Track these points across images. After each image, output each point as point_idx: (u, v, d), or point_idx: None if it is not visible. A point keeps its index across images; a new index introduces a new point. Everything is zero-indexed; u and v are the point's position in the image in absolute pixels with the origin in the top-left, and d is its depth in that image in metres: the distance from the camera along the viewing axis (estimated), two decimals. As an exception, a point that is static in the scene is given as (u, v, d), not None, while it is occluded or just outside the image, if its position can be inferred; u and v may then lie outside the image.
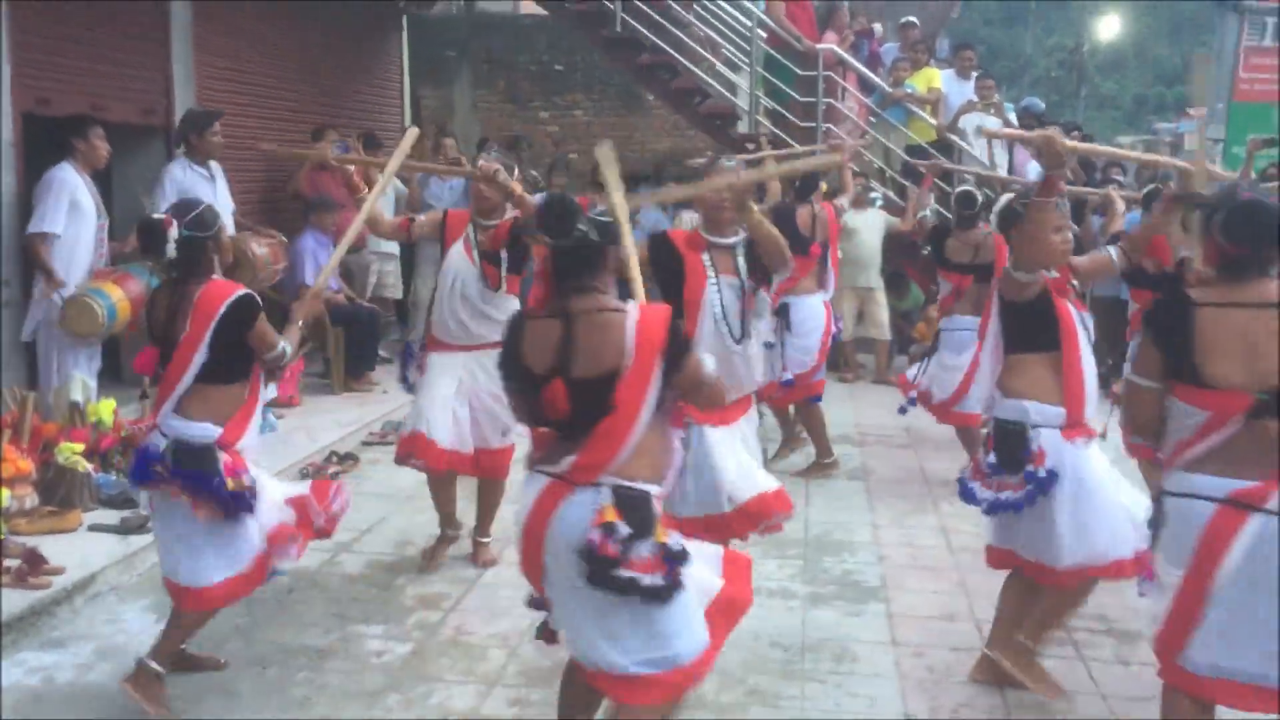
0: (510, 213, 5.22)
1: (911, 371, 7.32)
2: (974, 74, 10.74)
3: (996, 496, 4.06)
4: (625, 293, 3.39)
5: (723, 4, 10.69)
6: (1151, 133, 41.32)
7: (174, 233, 3.90)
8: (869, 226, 9.94)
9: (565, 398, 3.08)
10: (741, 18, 10.44)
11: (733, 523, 4.38)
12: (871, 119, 10.54)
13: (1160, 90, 53.49)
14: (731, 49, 10.85)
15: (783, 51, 10.14)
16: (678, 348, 3.13)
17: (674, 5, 10.41)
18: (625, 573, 3.01)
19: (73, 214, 6.31)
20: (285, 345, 4.07)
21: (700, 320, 4.27)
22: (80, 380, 6.23)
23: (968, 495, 4.20)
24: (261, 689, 4.21)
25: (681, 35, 10.37)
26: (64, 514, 5.49)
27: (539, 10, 12.27)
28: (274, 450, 6.94)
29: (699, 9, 10.82)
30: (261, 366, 4.06)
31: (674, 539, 3.12)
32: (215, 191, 7.38)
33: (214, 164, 7.48)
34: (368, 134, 10.04)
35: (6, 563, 4.84)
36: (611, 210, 3.40)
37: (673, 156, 12.82)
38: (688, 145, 13.29)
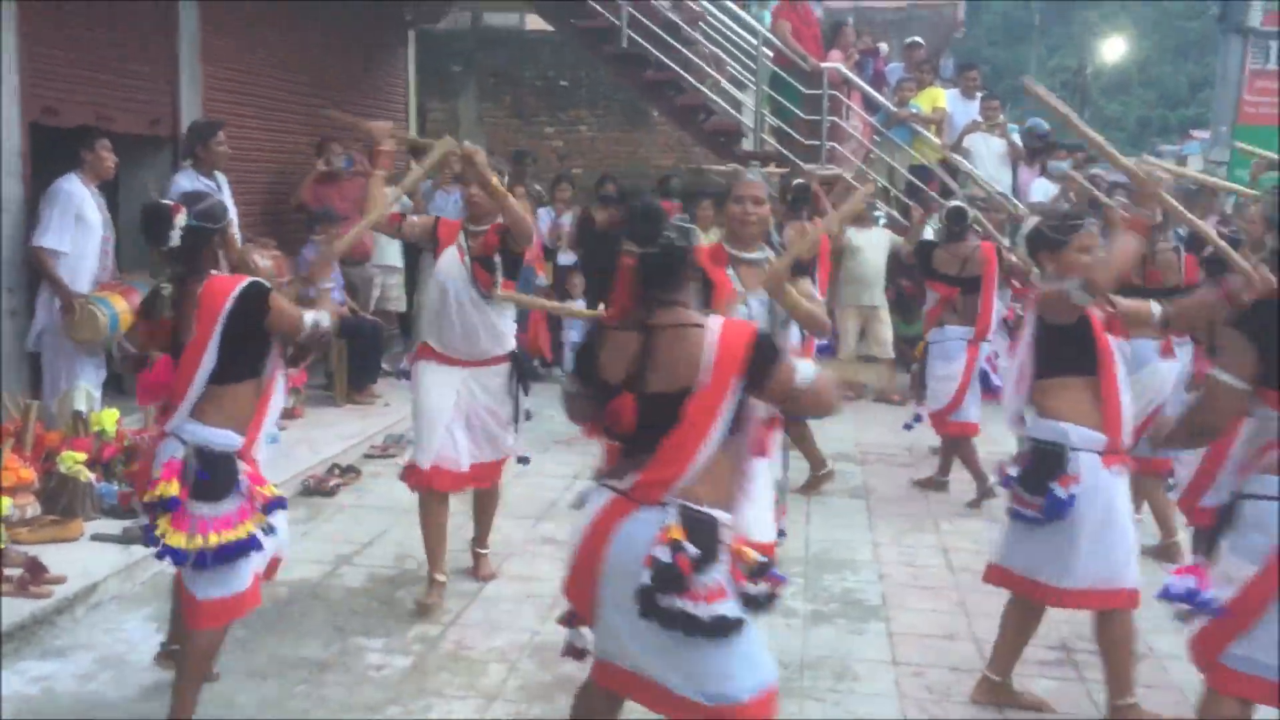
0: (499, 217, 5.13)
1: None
2: (978, 94, 10.79)
3: (1019, 507, 4.08)
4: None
5: (729, 21, 10.74)
6: (1155, 154, 41.41)
7: (181, 219, 3.69)
8: (873, 245, 9.95)
9: (633, 412, 2.98)
10: (747, 36, 10.48)
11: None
12: (876, 138, 10.57)
13: (1164, 112, 53.57)
14: (737, 67, 10.88)
15: (788, 70, 10.18)
16: (763, 362, 2.98)
17: (680, 22, 10.46)
18: (678, 604, 2.87)
19: (79, 227, 6.33)
20: (315, 317, 3.84)
21: None
22: (84, 389, 6.24)
23: (1007, 507, 4.21)
24: (260, 701, 4.21)
25: (687, 52, 10.42)
26: (66, 523, 5.49)
27: (545, 26, 12.31)
28: (276, 462, 6.89)
29: (705, 26, 10.87)
30: (296, 350, 3.94)
31: (753, 586, 2.97)
32: (182, 216, 7.40)
33: (219, 175, 7.51)
34: (372, 146, 10.06)
35: (8, 571, 4.84)
36: None
37: (675, 171, 12.86)
38: (692, 162, 13.35)
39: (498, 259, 5.05)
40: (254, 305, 3.67)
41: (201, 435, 3.68)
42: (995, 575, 4.31)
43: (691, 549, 2.87)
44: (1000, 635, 4.34)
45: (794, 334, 4.65)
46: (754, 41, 10.30)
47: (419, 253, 8.01)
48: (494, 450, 5.29)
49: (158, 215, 3.69)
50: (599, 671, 3.22)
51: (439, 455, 5.10)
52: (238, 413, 3.74)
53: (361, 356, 8.93)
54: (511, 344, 5.23)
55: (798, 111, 10.18)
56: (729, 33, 10.80)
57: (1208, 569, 3.28)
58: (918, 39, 12.04)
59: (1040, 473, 4.02)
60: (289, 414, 7.98)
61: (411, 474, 5.23)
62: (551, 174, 12.17)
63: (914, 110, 10.41)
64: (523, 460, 5.59)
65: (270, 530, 3.80)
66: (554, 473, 7.47)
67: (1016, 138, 11.05)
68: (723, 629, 2.89)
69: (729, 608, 2.91)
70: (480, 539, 5.56)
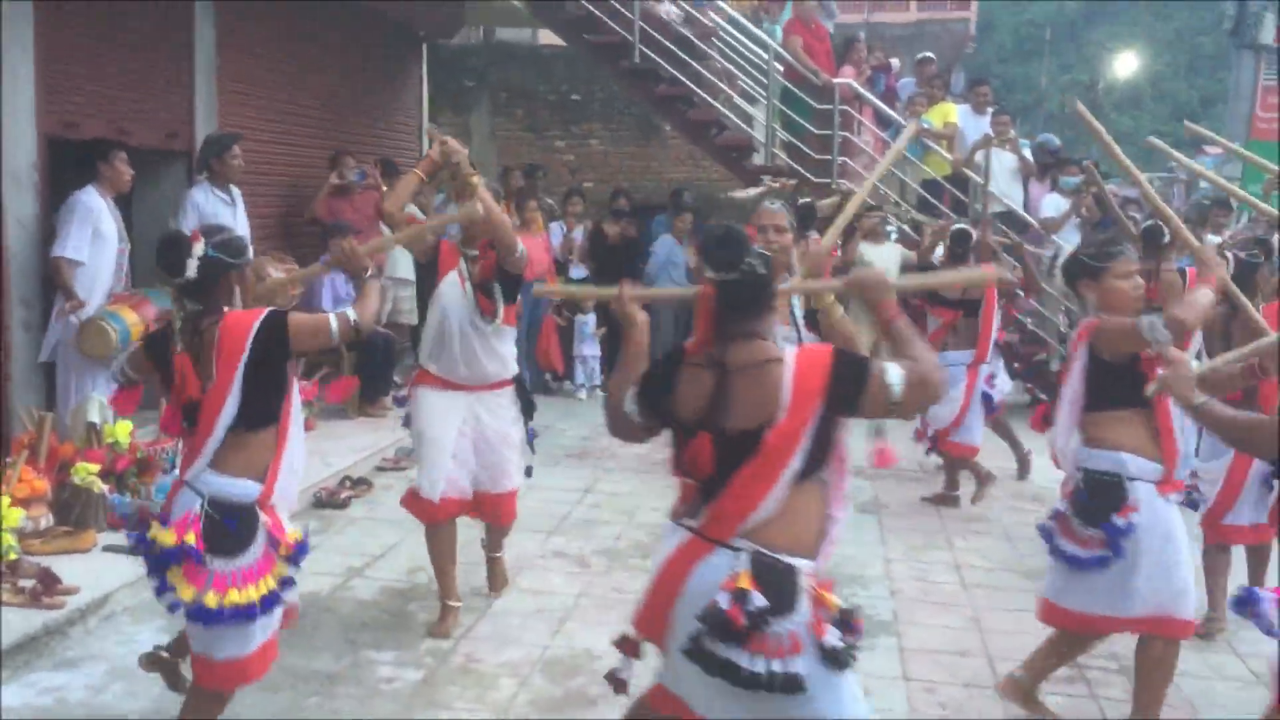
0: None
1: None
2: (990, 109, 10.78)
3: (1081, 553, 3.98)
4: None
5: (740, 37, 10.77)
6: (1167, 170, 41.32)
7: (199, 249, 3.47)
8: (884, 260, 9.95)
9: (710, 454, 2.86)
10: (759, 51, 10.50)
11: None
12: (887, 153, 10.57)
13: (1176, 128, 53.49)
14: (749, 82, 10.91)
15: (799, 85, 10.19)
16: (850, 381, 2.84)
17: (692, 37, 10.49)
18: (725, 651, 2.76)
19: (95, 240, 6.38)
20: (342, 313, 3.58)
21: None
22: (98, 402, 6.27)
23: (1054, 549, 4.10)
24: (272, 714, 4.22)
25: (699, 67, 10.44)
26: (79, 534, 5.51)
27: (558, 41, 12.35)
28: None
29: (717, 41, 10.90)
30: (342, 342, 3.59)
31: (832, 637, 2.81)
32: (236, 215, 7.50)
33: (234, 189, 7.57)
34: (386, 160, 10.11)
35: (21, 582, 4.87)
36: None
37: (686, 184, 12.89)
38: (703, 176, 13.37)
39: (497, 285, 4.92)
40: (276, 335, 3.43)
41: (218, 486, 3.46)
42: (1053, 615, 4.17)
43: (757, 600, 2.73)
44: (1045, 649, 4.27)
45: None
46: (765, 56, 10.33)
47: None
48: (501, 479, 5.10)
49: (175, 244, 3.50)
50: (658, 694, 3.14)
51: (446, 484, 4.98)
52: (258, 460, 3.50)
53: (373, 369, 8.96)
54: (514, 368, 5.13)
55: (809, 126, 10.19)
56: (741, 48, 10.82)
57: None
58: (929, 54, 12.05)
59: (1098, 504, 3.96)
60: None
61: (415, 503, 5.07)
62: (563, 188, 12.20)
63: (925, 125, 10.41)
64: (527, 472, 5.43)
65: (290, 583, 3.60)
66: (565, 487, 7.48)
67: (1028, 153, 11.04)
68: (786, 687, 2.75)
69: (802, 664, 2.76)
70: (494, 543, 5.47)
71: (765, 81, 10.39)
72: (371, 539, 6.24)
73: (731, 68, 10.93)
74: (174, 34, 7.87)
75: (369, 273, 3.78)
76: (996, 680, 4.44)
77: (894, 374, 2.82)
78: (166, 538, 3.41)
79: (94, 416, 6.22)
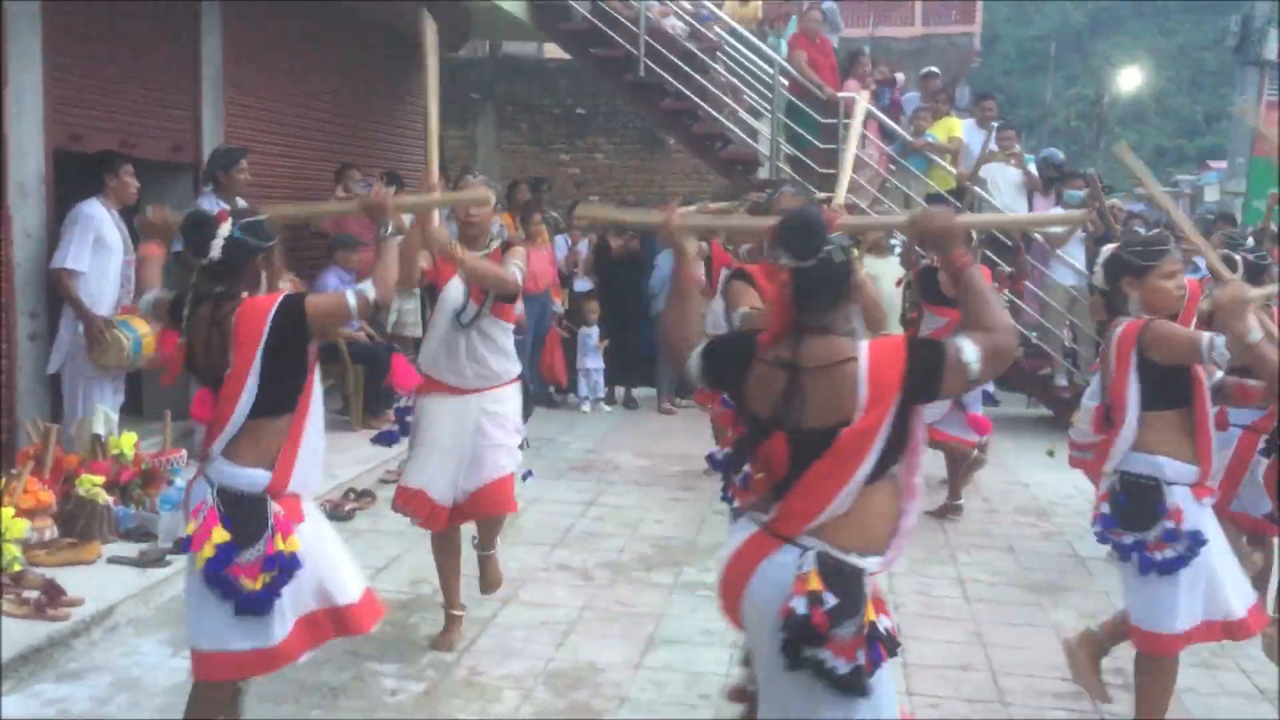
0: (497, 242, 4.89)
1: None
2: (994, 124, 10.80)
3: (1154, 557, 3.91)
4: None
5: (745, 51, 10.80)
6: (1172, 185, 41.36)
7: (225, 230, 3.37)
8: (890, 273, 9.95)
9: (785, 454, 2.80)
10: (764, 65, 10.54)
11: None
12: (892, 167, 10.60)
13: (1181, 143, 53.60)
14: (754, 95, 10.94)
15: (804, 99, 10.23)
16: (928, 368, 2.75)
17: (697, 52, 10.52)
18: (819, 654, 2.71)
19: (98, 250, 6.39)
20: (359, 289, 3.45)
21: None
22: (103, 413, 6.28)
23: (1143, 563, 3.97)
24: (275, 726, 4.22)
25: (704, 81, 10.48)
26: (83, 546, 5.51)
27: (564, 55, 12.40)
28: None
29: (722, 56, 10.94)
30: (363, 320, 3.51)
31: (884, 621, 2.78)
32: (227, 226, 7.48)
33: (240, 201, 7.58)
34: (391, 173, 10.14)
35: (26, 594, 4.87)
36: None
37: (691, 198, 12.91)
38: (708, 190, 13.39)
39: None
40: (293, 318, 3.32)
41: (228, 475, 3.39)
42: (1162, 644, 4.02)
43: (830, 600, 2.70)
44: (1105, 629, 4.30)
45: None
46: (770, 71, 10.36)
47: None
48: (495, 466, 4.89)
49: (201, 222, 3.41)
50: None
51: (430, 484, 4.85)
52: (271, 448, 3.40)
53: (377, 381, 8.96)
54: (518, 366, 5.06)
55: (814, 140, 10.22)
56: (746, 62, 10.86)
57: None
58: (934, 69, 12.08)
59: (1136, 507, 3.94)
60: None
61: (403, 496, 4.94)
62: (568, 201, 12.23)
63: (930, 139, 10.44)
64: (526, 475, 5.32)
65: (283, 578, 3.37)
66: (568, 500, 7.49)
67: (1032, 167, 11.06)
68: (851, 685, 2.72)
69: (854, 666, 2.73)
70: (486, 540, 5.16)
71: (770, 95, 10.42)
72: (375, 551, 6.24)
73: (736, 82, 10.97)
74: (180, 47, 7.90)
75: (389, 230, 3.60)
76: (1000, 696, 4.43)
77: (969, 351, 2.74)
78: (220, 537, 3.33)
79: (99, 428, 6.23)
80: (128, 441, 6.17)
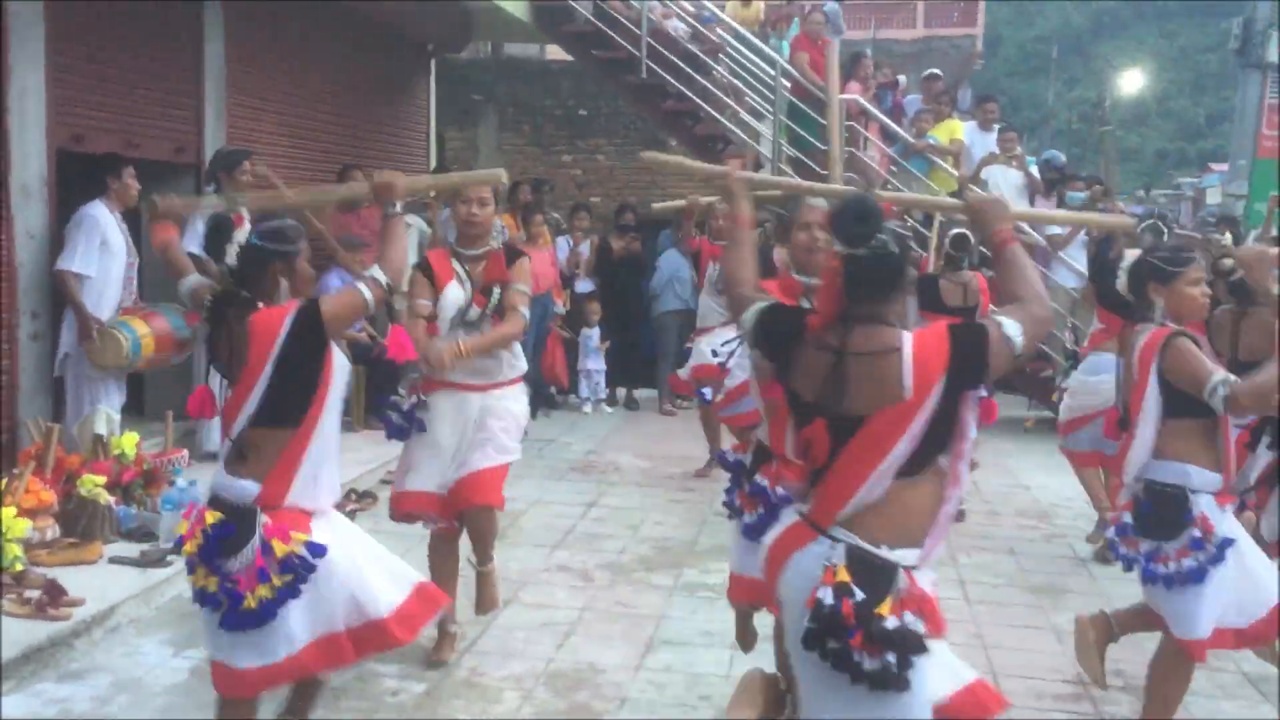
0: (497, 242, 4.80)
1: None
2: (996, 126, 10.81)
3: (1176, 568, 3.91)
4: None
5: (747, 53, 10.81)
6: (1174, 187, 41.38)
7: (241, 235, 3.31)
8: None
9: (825, 440, 2.76)
10: (766, 67, 10.54)
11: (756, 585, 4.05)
12: (893, 169, 10.60)
13: (1182, 145, 53.61)
14: (755, 97, 10.95)
15: (806, 100, 10.23)
16: (972, 350, 2.71)
17: (699, 53, 10.53)
18: (845, 647, 2.68)
19: (103, 252, 6.41)
20: (371, 276, 3.36)
21: None
22: (105, 413, 6.29)
23: (1146, 574, 4.01)
24: (276, 726, 4.22)
25: (706, 83, 10.48)
26: (85, 546, 5.52)
27: (566, 56, 12.41)
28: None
29: (724, 57, 10.94)
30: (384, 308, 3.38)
31: (906, 619, 2.71)
32: (244, 229, 7.50)
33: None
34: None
35: (27, 594, 4.88)
36: None
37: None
38: (709, 192, 13.37)
39: (497, 290, 4.71)
40: (310, 326, 3.22)
41: (218, 485, 3.32)
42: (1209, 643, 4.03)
43: (857, 594, 2.67)
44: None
45: None
46: (772, 72, 10.36)
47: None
48: (483, 458, 4.71)
49: (219, 226, 3.36)
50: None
51: (424, 481, 4.73)
52: (263, 463, 3.29)
53: (379, 382, 8.97)
54: (524, 366, 4.96)
55: (815, 142, 10.22)
56: (748, 63, 10.86)
57: None
58: (936, 71, 12.09)
59: (1162, 516, 3.94)
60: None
61: (397, 500, 4.82)
62: (570, 202, 12.24)
63: (932, 142, 10.44)
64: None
65: (289, 592, 3.23)
66: (569, 501, 7.49)
67: (1034, 170, 11.07)
68: (883, 682, 2.68)
69: (883, 664, 2.69)
70: (482, 554, 4.87)
71: (772, 97, 10.43)
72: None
73: (738, 83, 10.97)
74: (183, 47, 7.91)
75: (396, 209, 3.54)
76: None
77: (1011, 326, 2.72)
78: (191, 546, 3.27)
79: (101, 428, 6.25)
80: (129, 442, 6.17)
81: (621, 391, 11.27)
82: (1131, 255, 4.24)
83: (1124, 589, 6.00)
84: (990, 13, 34.34)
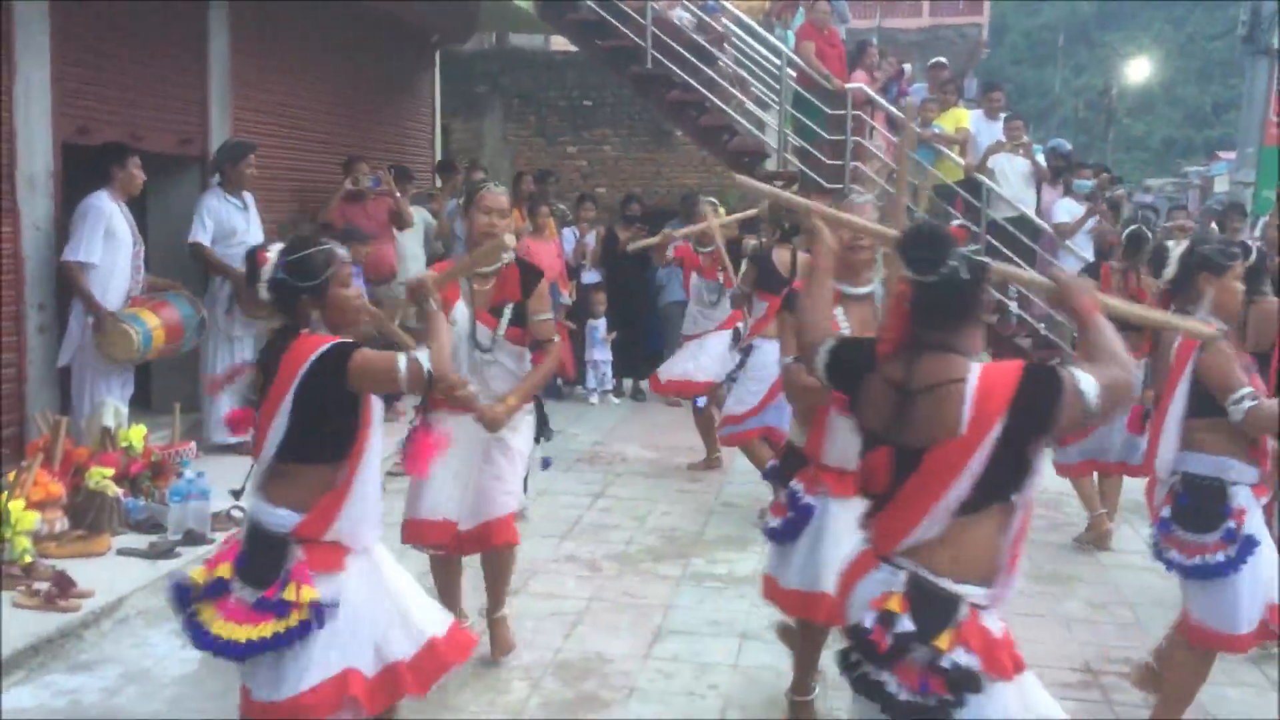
0: (510, 257, 4.52)
1: None
2: (1002, 114, 10.77)
3: (1203, 560, 3.91)
4: None
5: (753, 42, 10.78)
6: (1181, 175, 41.26)
7: (267, 271, 3.21)
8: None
9: (888, 469, 2.72)
10: (771, 56, 10.51)
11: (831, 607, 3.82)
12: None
13: (1189, 133, 53.47)
14: (761, 87, 10.92)
15: (812, 90, 10.20)
16: (1041, 398, 2.61)
17: (704, 43, 10.50)
18: (876, 674, 2.63)
19: (108, 241, 6.41)
20: (414, 356, 3.16)
21: None
22: (112, 406, 6.30)
23: (1182, 567, 3.99)
24: (285, 716, 4.22)
25: (711, 73, 10.45)
26: (93, 538, 5.54)
27: (570, 47, 12.39)
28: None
29: (729, 47, 10.91)
30: (416, 393, 3.19)
31: (960, 656, 2.60)
32: (249, 221, 7.53)
33: (248, 195, 7.60)
34: (399, 166, 10.15)
35: (36, 585, 4.90)
36: None
37: (698, 190, 12.91)
38: (715, 182, 13.37)
39: (510, 308, 4.50)
40: (331, 369, 3.10)
41: (256, 511, 3.23)
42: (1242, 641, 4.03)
43: (904, 624, 2.60)
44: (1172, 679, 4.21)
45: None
46: (778, 62, 10.33)
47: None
48: (498, 506, 4.58)
49: (249, 261, 3.30)
50: None
51: (431, 509, 4.54)
52: (303, 493, 3.19)
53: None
54: None
55: (821, 132, 10.19)
56: (753, 53, 10.83)
57: None
58: (942, 59, 12.04)
59: (1202, 509, 3.93)
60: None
61: (409, 529, 4.63)
62: (575, 193, 12.23)
63: (938, 131, 10.41)
64: (544, 463, 5.07)
65: (307, 627, 3.10)
66: (577, 491, 7.50)
67: (1040, 158, 11.03)
68: (920, 716, 2.60)
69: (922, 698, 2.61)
70: (495, 600, 4.78)
71: (778, 87, 10.40)
72: (384, 543, 6.24)
73: (744, 73, 10.94)
74: (188, 40, 7.91)
75: (432, 305, 3.39)
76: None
77: (1088, 383, 2.61)
78: (219, 571, 3.19)
79: (109, 421, 6.26)
80: (137, 434, 6.19)
81: (628, 382, 11.27)
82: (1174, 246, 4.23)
83: (1132, 578, 6.02)
84: (996, 1, 34.24)
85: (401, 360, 3.12)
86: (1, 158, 6.26)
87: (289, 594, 3.10)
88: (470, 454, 4.53)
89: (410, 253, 9.53)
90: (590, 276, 11.02)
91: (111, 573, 5.25)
